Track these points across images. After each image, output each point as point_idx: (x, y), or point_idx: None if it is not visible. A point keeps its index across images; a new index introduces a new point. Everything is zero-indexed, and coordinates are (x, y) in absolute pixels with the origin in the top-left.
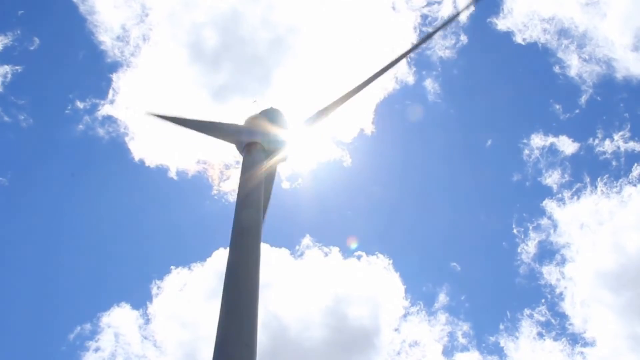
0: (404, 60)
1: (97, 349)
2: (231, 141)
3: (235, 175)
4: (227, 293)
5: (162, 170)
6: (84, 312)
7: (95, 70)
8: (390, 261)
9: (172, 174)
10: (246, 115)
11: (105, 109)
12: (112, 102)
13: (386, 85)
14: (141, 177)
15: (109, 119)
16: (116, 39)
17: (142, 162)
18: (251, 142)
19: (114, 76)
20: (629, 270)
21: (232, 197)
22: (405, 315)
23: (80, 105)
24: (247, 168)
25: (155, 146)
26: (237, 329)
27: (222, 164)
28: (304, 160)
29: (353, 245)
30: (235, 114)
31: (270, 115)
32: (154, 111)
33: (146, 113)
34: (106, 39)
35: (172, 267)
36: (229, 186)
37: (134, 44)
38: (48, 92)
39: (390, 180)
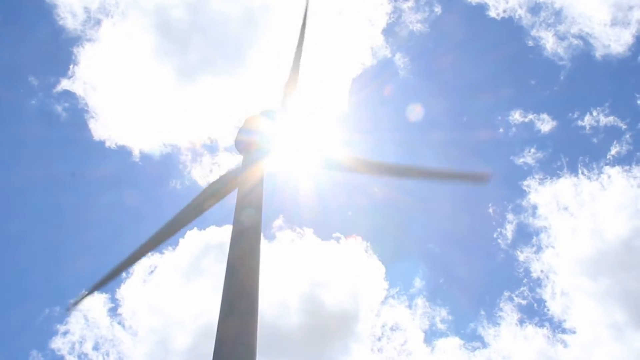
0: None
1: (65, 332)
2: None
3: (205, 162)
4: (227, 292)
5: (124, 152)
6: (52, 296)
7: (55, 45)
8: (368, 244)
9: (136, 157)
10: (217, 97)
11: (64, 84)
12: (70, 77)
13: (363, 60)
14: (102, 158)
15: (67, 94)
16: (78, 15)
17: (102, 142)
18: (250, 142)
19: (75, 50)
20: (608, 257)
21: (202, 183)
22: (385, 299)
23: (39, 81)
24: (247, 168)
25: (118, 126)
26: (237, 328)
27: (191, 149)
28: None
29: (354, 241)
30: (204, 94)
31: (267, 116)
32: None
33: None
34: (67, 14)
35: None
36: (199, 172)
37: (95, 19)
38: (8, 67)
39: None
